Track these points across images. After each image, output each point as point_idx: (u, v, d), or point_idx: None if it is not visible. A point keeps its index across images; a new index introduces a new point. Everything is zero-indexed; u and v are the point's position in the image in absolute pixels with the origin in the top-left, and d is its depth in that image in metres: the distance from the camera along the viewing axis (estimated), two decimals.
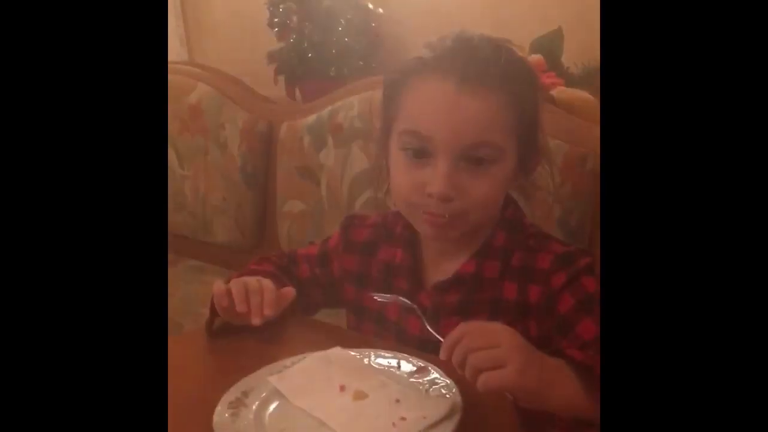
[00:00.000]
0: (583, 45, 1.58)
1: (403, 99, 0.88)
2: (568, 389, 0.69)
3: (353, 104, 1.54)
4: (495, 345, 0.67)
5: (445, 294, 0.91)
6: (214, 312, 0.94)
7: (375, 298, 0.88)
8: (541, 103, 0.94)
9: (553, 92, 1.39)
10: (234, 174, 1.75)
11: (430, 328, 0.81)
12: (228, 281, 0.92)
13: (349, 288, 1.01)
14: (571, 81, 1.48)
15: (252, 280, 0.91)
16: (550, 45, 1.49)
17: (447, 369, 0.75)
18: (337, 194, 1.56)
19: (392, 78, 0.91)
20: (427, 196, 0.85)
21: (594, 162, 1.25)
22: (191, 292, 1.71)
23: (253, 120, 1.72)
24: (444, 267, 0.92)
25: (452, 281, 0.91)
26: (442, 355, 0.70)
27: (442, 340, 0.71)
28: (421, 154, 0.86)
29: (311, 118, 1.61)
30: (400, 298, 0.87)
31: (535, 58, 1.46)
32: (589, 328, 0.81)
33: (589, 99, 1.42)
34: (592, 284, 0.85)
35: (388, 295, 0.89)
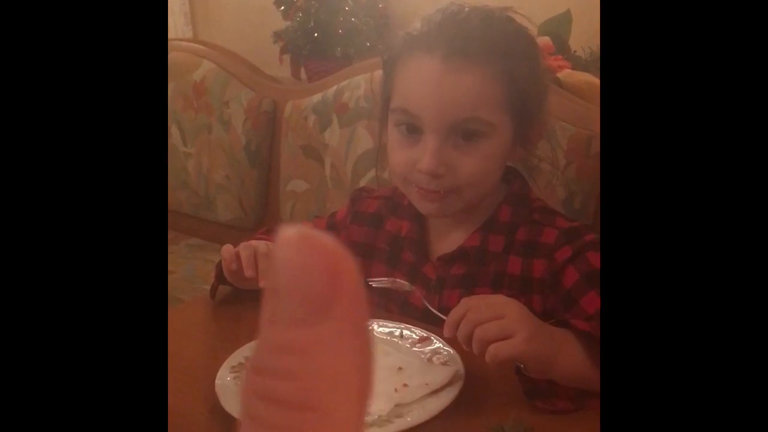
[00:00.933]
0: (591, 29, 1.58)
1: (396, 76, 0.87)
2: (574, 359, 0.69)
3: (359, 84, 1.54)
4: (501, 316, 0.67)
5: (449, 267, 0.91)
6: (220, 277, 0.94)
7: (370, 283, 0.88)
8: (542, 73, 0.92)
9: (560, 75, 1.38)
10: (238, 152, 1.75)
11: (430, 307, 0.81)
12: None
13: (356, 260, 1.01)
14: (578, 64, 1.47)
15: (261, 244, 0.91)
16: (558, 28, 1.49)
17: (450, 339, 0.75)
18: (341, 174, 1.56)
19: (388, 55, 0.91)
20: (418, 173, 0.85)
21: (598, 144, 1.25)
22: (193, 270, 1.71)
23: (258, 98, 1.72)
24: (449, 240, 0.92)
25: (457, 254, 0.91)
26: (446, 332, 0.70)
27: (444, 318, 0.71)
28: (412, 130, 0.85)
29: (316, 98, 1.61)
30: (397, 280, 0.87)
31: (543, 40, 1.45)
32: (594, 301, 0.81)
33: (595, 82, 1.41)
34: (597, 259, 0.85)
35: (385, 279, 0.88)
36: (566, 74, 1.40)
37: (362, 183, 1.52)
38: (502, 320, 0.67)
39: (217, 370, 0.75)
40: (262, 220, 1.77)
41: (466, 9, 0.86)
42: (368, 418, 0.67)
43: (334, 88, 1.58)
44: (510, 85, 0.84)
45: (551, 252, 0.87)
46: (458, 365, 0.73)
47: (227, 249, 0.90)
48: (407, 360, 0.77)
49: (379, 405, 0.68)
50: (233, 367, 0.76)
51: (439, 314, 0.77)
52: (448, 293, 0.90)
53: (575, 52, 1.52)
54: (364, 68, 1.55)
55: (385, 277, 0.95)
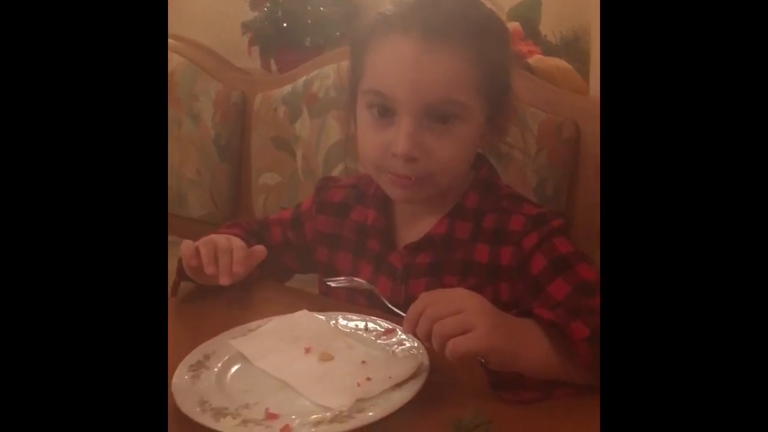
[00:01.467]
0: (562, 13, 1.56)
1: (368, 57, 0.85)
2: (537, 349, 0.68)
3: (328, 74, 1.51)
4: (459, 310, 0.66)
5: (416, 255, 0.89)
6: (181, 273, 0.92)
7: (329, 283, 0.87)
8: (512, 60, 0.92)
9: (531, 60, 1.37)
10: (208, 146, 1.72)
11: (389, 304, 0.79)
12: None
13: (321, 250, 0.99)
14: (548, 49, 1.46)
15: (221, 238, 0.89)
16: (528, 13, 1.47)
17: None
18: (312, 165, 1.54)
19: (356, 36, 0.88)
20: (392, 157, 0.83)
21: (570, 130, 1.23)
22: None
23: (227, 91, 1.69)
24: (416, 228, 0.91)
25: (423, 242, 0.89)
26: (406, 328, 0.69)
27: (403, 314, 0.70)
28: (385, 112, 0.83)
29: (286, 89, 1.58)
30: (355, 279, 0.85)
31: (513, 25, 1.43)
32: (561, 288, 0.80)
33: (566, 68, 1.40)
34: (564, 245, 0.84)
35: (342, 278, 0.87)
36: (537, 60, 1.38)
37: (334, 174, 1.50)
38: (460, 315, 0.65)
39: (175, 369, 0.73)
40: (236, 214, 1.75)
41: None
42: (328, 414, 0.65)
43: (304, 78, 1.56)
44: (483, 68, 0.83)
45: (519, 239, 0.85)
46: (423, 357, 0.72)
47: (187, 245, 0.88)
48: (372, 353, 0.75)
49: (340, 400, 0.67)
50: (191, 365, 0.74)
51: (398, 311, 0.76)
52: (414, 282, 0.89)
53: (545, 37, 1.51)
54: (334, 58, 1.52)
55: (350, 266, 0.93)
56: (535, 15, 1.49)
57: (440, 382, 0.70)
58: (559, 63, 1.38)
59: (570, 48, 1.46)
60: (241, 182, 1.72)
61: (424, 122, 0.82)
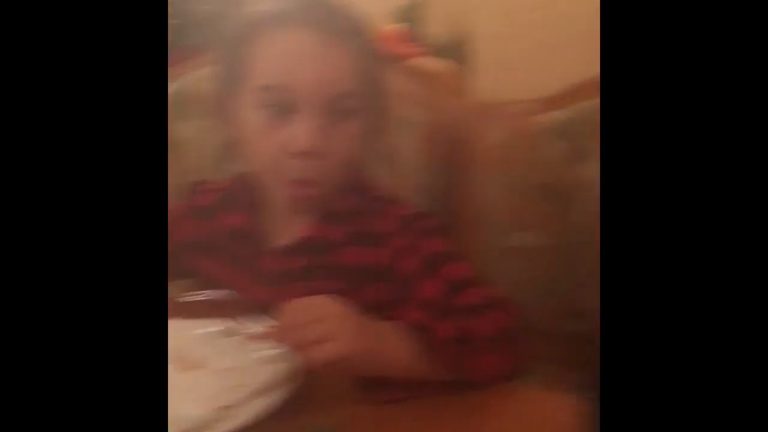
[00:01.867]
0: (448, 15, 1.59)
1: (256, 53, 0.82)
2: (402, 351, 0.68)
3: None
4: (322, 319, 0.66)
5: (289, 259, 0.88)
6: None
7: (187, 299, 0.85)
8: (387, 59, 0.93)
9: (414, 62, 1.38)
10: None
11: (258, 312, 0.78)
12: None
13: (190, 256, 0.96)
14: (434, 51, 1.48)
15: None
16: (413, 14, 1.49)
17: None
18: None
19: (234, 34, 0.86)
20: (291, 157, 0.81)
21: (451, 130, 1.25)
22: None
23: None
24: (288, 232, 0.90)
25: (296, 246, 0.88)
26: (272, 337, 0.69)
27: (272, 321, 0.70)
28: (284, 110, 0.81)
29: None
30: (217, 291, 0.84)
31: (397, 27, 1.45)
32: (431, 287, 0.81)
33: (450, 69, 1.42)
34: (435, 244, 0.84)
35: (203, 293, 0.86)
36: (419, 61, 1.40)
37: None
38: (322, 323, 0.65)
39: None
40: None
41: None
42: (190, 424, 0.64)
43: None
44: (367, 65, 0.83)
45: (390, 240, 0.86)
46: (290, 364, 0.71)
47: None
48: (239, 359, 0.74)
49: (203, 408, 0.65)
50: None
51: (267, 318, 0.75)
52: (287, 286, 0.88)
53: (431, 38, 1.53)
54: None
55: (220, 272, 0.91)
56: (420, 17, 1.51)
57: (310, 386, 0.69)
58: (442, 64, 1.40)
59: (456, 50, 1.48)
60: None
61: (325, 117, 0.81)
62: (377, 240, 0.86)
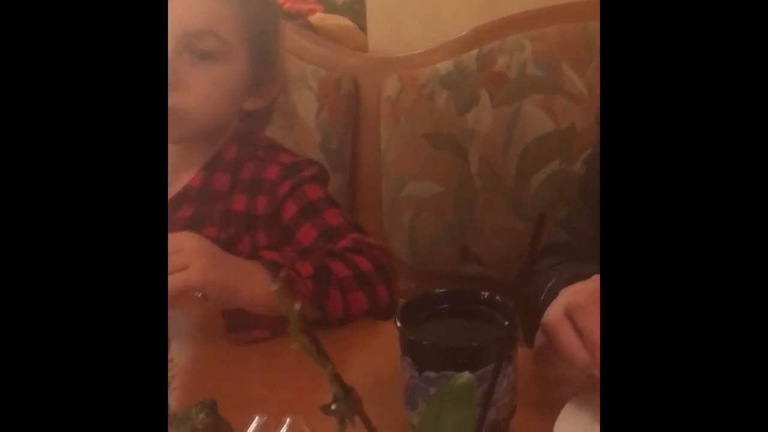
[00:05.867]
0: None
1: None
2: (260, 287, 0.71)
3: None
4: (178, 250, 0.69)
5: (176, 209, 0.90)
6: None
7: None
8: (276, 12, 0.94)
9: (312, 19, 1.39)
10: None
11: None
12: None
13: None
14: (331, 8, 1.49)
15: None
16: None
17: None
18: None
19: None
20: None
21: (349, 85, 1.27)
22: None
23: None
24: (175, 182, 0.91)
25: (181, 195, 0.89)
26: None
27: None
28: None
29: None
30: None
31: None
32: (309, 233, 0.84)
33: (348, 26, 1.44)
34: (314, 192, 0.87)
35: None
36: (318, 17, 1.41)
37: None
38: (177, 253, 0.68)
39: None
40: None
41: None
42: None
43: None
44: (248, 14, 0.86)
45: (273, 187, 0.88)
46: None
47: None
48: None
49: None
50: None
51: None
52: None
53: None
54: None
55: None
56: None
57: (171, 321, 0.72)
58: (340, 21, 1.42)
59: (354, 6, 1.50)
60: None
61: (183, 54, 0.83)
62: (261, 187, 0.89)
